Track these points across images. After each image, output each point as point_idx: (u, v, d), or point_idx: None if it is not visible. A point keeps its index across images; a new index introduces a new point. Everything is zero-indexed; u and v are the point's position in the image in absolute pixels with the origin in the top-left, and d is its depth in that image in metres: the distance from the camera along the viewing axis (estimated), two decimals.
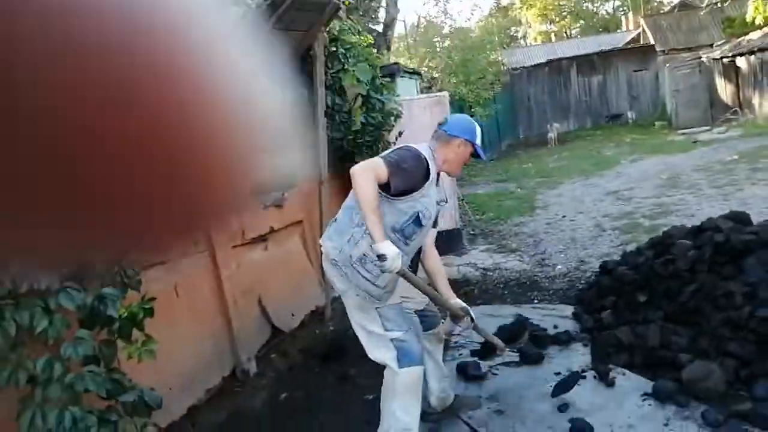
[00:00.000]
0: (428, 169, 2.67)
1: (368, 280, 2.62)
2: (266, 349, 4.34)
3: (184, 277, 3.57)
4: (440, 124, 2.88)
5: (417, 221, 2.65)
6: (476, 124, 2.93)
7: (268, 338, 4.35)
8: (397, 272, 2.45)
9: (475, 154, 2.89)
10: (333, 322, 5.05)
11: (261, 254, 4.47)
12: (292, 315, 4.66)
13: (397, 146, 2.85)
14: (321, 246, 2.82)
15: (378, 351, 2.72)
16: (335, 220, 2.80)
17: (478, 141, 2.87)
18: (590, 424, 2.84)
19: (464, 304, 3.00)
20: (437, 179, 2.82)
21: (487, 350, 3.53)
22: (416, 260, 2.92)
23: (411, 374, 2.67)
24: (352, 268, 2.63)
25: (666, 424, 2.83)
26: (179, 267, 3.53)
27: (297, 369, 4.22)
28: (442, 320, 3.09)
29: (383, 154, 2.68)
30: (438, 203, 2.83)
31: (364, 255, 2.59)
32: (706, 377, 3.01)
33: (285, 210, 4.82)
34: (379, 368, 3.92)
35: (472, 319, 2.95)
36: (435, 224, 2.92)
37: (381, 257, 2.37)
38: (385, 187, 2.55)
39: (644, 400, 3.06)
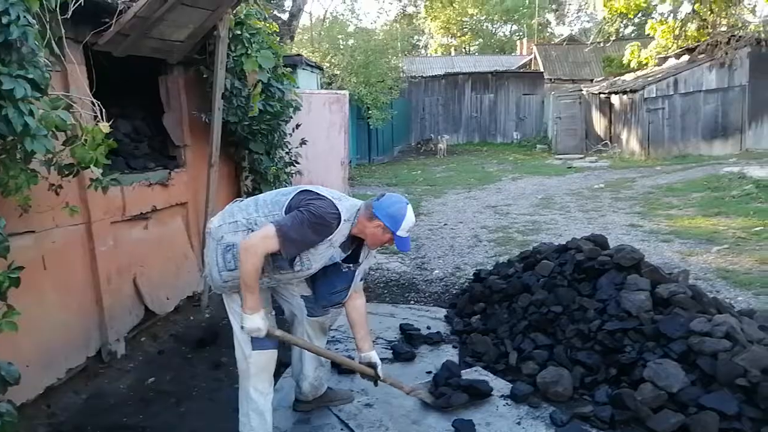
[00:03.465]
0: (331, 234, 2.58)
1: (217, 266, 2.65)
2: (137, 331, 4.18)
3: (55, 248, 3.36)
4: (377, 197, 2.73)
5: (290, 262, 2.61)
6: (407, 214, 2.68)
7: (140, 320, 4.19)
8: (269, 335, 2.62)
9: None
10: (209, 309, 4.96)
11: (141, 233, 4.29)
12: (167, 298, 4.52)
13: (319, 196, 2.62)
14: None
15: (237, 333, 2.77)
16: (242, 200, 2.83)
17: (401, 232, 2.67)
18: (469, 420, 3.04)
19: (375, 359, 2.95)
20: (356, 243, 2.81)
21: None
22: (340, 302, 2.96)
23: (262, 356, 2.74)
24: (215, 245, 2.66)
25: (518, 423, 3.08)
26: (50, 237, 3.33)
27: (168, 354, 4.11)
28: (328, 310, 3.09)
29: (288, 216, 2.55)
30: (332, 260, 2.76)
31: (233, 245, 2.60)
32: (557, 382, 3.32)
33: (170, 190, 4.66)
34: None
35: (377, 377, 2.95)
36: (362, 279, 2.98)
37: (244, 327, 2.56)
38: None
39: (502, 400, 3.31)
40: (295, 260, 2.61)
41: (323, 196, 2.64)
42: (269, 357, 2.78)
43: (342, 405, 3.27)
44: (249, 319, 2.53)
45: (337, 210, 2.59)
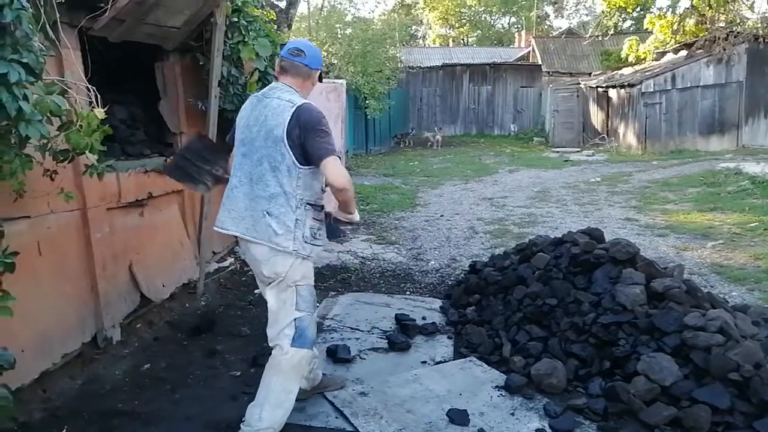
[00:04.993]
0: None
1: (320, 246, 2.82)
2: (132, 317, 4.16)
3: (50, 234, 3.34)
4: (295, 56, 2.77)
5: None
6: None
7: (135, 307, 4.17)
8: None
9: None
10: (205, 297, 4.95)
11: (136, 220, 4.27)
12: (163, 285, 4.50)
13: (308, 114, 2.63)
14: (264, 243, 2.67)
15: (277, 328, 2.74)
16: (268, 214, 2.63)
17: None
18: (463, 410, 3.05)
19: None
20: None
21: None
22: None
23: (299, 355, 2.73)
24: (311, 247, 2.73)
25: (512, 414, 3.10)
26: (45, 223, 3.31)
27: (163, 341, 4.10)
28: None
29: (319, 139, 2.59)
30: None
31: (312, 228, 2.72)
32: (551, 374, 3.33)
33: (166, 177, 4.62)
34: (249, 346, 3.94)
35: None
36: None
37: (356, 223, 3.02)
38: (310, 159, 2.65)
39: (497, 391, 3.32)
40: None
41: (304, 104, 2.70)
42: (305, 356, 2.78)
43: (336, 392, 3.28)
44: (358, 216, 2.95)
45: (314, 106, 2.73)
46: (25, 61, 2.37)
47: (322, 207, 2.83)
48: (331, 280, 5.55)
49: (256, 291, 4.64)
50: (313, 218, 2.74)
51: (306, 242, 2.70)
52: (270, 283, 2.76)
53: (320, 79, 3.01)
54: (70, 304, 3.53)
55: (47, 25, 2.81)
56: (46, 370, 3.28)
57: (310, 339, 2.79)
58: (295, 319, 2.72)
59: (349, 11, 21.11)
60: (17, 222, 3.07)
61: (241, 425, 2.75)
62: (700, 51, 17.31)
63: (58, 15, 2.98)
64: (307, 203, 2.70)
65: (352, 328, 4.28)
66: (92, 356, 3.72)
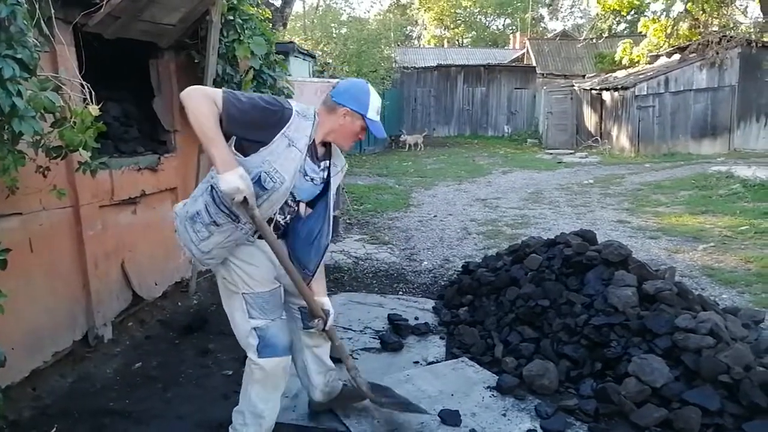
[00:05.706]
0: (284, 124, 2.31)
1: (192, 241, 2.40)
2: (124, 316, 4.15)
3: (42, 231, 3.33)
4: (333, 88, 2.54)
5: (258, 183, 2.29)
6: (371, 92, 2.49)
7: (127, 305, 4.16)
8: (246, 207, 2.21)
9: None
10: (197, 295, 4.94)
11: (129, 217, 4.25)
12: (156, 284, 4.49)
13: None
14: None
15: (240, 337, 2.56)
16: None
17: (371, 114, 2.46)
18: (455, 411, 3.05)
19: (329, 306, 2.69)
20: (320, 150, 2.55)
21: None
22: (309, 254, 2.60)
23: (270, 365, 2.51)
24: (183, 225, 2.43)
25: (504, 414, 3.10)
26: (37, 220, 3.29)
27: (155, 339, 4.09)
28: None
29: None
30: (310, 178, 2.50)
31: (197, 213, 2.37)
32: (543, 375, 3.34)
33: (159, 174, 4.62)
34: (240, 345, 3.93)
35: (325, 323, 2.63)
36: (335, 206, 2.65)
37: (222, 191, 2.17)
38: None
39: (488, 391, 3.33)
40: (263, 178, 2.29)
41: None
42: (278, 364, 2.54)
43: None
44: (223, 180, 2.15)
45: (288, 104, 2.37)
46: (19, 56, 2.36)
47: (236, 215, 2.35)
48: None
49: None
50: (205, 203, 2.36)
51: (184, 220, 2.42)
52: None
53: (366, 130, 2.51)
54: (61, 301, 3.51)
55: (42, 21, 2.80)
56: (36, 368, 3.27)
57: (281, 346, 2.54)
58: (254, 328, 2.49)
59: (345, 10, 21.17)
60: (9, 219, 3.05)
61: (230, 429, 2.70)
62: (693, 55, 17.43)
63: (52, 11, 2.96)
64: (212, 186, 2.34)
65: (344, 328, 4.27)
66: (83, 354, 3.70)
